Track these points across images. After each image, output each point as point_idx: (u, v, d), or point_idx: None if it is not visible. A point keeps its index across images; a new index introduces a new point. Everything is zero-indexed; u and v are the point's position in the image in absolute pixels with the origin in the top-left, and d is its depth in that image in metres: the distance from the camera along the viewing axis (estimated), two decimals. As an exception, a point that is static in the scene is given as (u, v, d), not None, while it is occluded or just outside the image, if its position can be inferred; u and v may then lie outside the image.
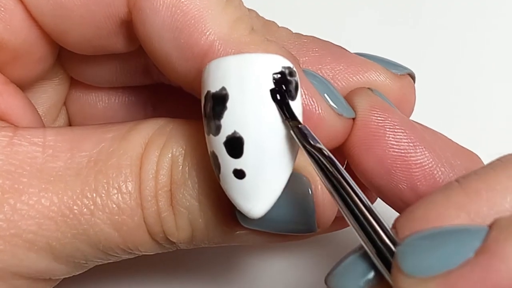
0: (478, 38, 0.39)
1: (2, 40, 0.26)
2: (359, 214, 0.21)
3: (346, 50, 0.28)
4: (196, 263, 0.35)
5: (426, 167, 0.25)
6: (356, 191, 0.21)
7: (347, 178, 0.21)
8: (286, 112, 0.22)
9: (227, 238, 0.26)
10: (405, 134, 0.25)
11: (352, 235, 0.31)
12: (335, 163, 0.21)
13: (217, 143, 0.22)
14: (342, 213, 0.21)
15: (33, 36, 0.26)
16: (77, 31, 0.26)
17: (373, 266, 0.21)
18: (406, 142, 0.25)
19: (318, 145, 0.22)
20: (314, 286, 0.35)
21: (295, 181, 0.24)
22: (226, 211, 0.25)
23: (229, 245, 0.28)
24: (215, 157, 0.23)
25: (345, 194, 0.21)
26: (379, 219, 0.21)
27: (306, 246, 0.35)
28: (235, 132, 0.22)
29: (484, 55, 0.38)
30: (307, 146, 0.22)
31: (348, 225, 0.28)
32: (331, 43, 0.29)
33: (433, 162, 0.25)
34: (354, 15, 0.40)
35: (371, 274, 0.21)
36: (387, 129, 0.25)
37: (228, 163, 0.22)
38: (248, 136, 0.22)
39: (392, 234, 0.20)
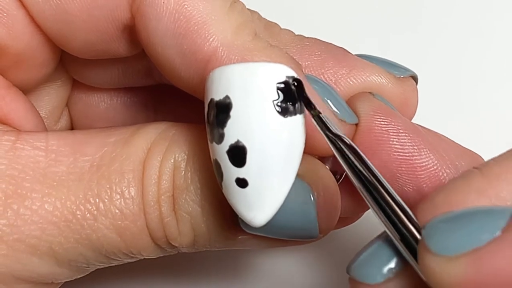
0: (480, 39, 0.39)
1: (5, 45, 0.26)
2: (381, 201, 0.21)
3: (348, 52, 0.28)
4: (199, 264, 0.35)
5: (431, 169, 0.25)
6: (378, 176, 0.21)
7: (368, 164, 0.22)
8: (306, 102, 0.23)
9: (229, 243, 0.26)
10: (409, 137, 0.25)
11: (358, 231, 0.31)
12: (356, 150, 0.22)
13: (220, 151, 0.22)
14: (365, 199, 0.22)
15: (36, 40, 0.26)
16: (79, 36, 0.26)
17: (396, 254, 0.21)
18: (411, 146, 0.25)
19: (338, 132, 0.22)
20: (319, 285, 0.35)
21: (297, 188, 0.24)
22: (228, 216, 0.25)
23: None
24: (217, 165, 0.23)
25: (366, 181, 0.21)
26: (402, 205, 0.21)
27: (311, 245, 0.35)
28: (238, 141, 0.22)
29: (486, 57, 0.38)
30: (329, 134, 0.22)
31: (350, 223, 0.29)
32: (333, 45, 0.28)
33: (438, 164, 0.25)
34: (356, 16, 0.40)
35: (395, 262, 0.21)
36: (391, 134, 0.25)
37: (231, 172, 0.22)
38: (251, 145, 0.22)
39: (415, 220, 0.21)
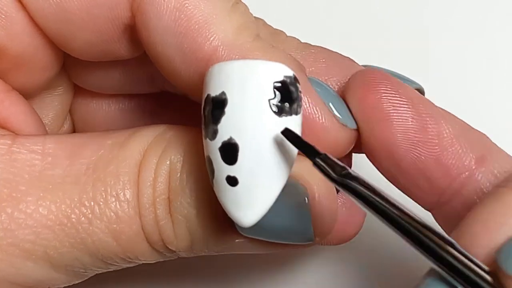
0: (486, 47, 0.38)
1: (4, 47, 0.26)
2: (428, 242, 0.20)
3: (354, 62, 0.28)
4: (199, 271, 0.35)
5: (447, 138, 0.24)
6: (407, 212, 0.20)
7: (390, 200, 0.20)
8: (303, 148, 0.22)
9: (227, 247, 0.26)
10: (423, 107, 0.25)
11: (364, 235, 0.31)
12: (372, 187, 0.21)
13: (213, 148, 0.22)
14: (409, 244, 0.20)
15: (36, 42, 0.26)
16: (79, 35, 0.26)
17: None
18: (425, 114, 0.25)
19: (344, 171, 0.21)
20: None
21: (291, 189, 0.23)
22: (224, 220, 0.24)
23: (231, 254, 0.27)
24: (210, 162, 0.22)
25: (398, 219, 0.20)
26: (450, 241, 0.20)
27: (311, 251, 0.35)
28: (231, 138, 0.22)
29: (492, 65, 0.38)
30: (335, 178, 0.21)
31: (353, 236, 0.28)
32: (339, 54, 0.28)
33: (453, 133, 0.25)
34: (363, 27, 0.39)
35: None
36: (406, 101, 0.25)
37: (222, 169, 0.22)
38: (243, 143, 0.22)
39: (467, 253, 0.19)
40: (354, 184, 0.21)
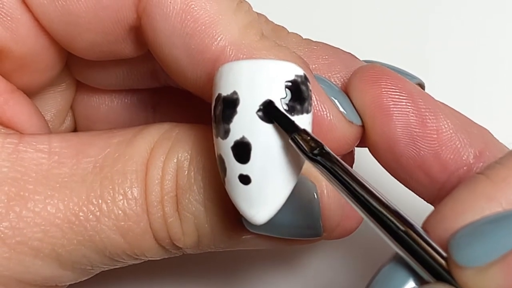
0: (487, 46, 0.38)
1: (9, 49, 0.26)
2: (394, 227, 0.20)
3: (356, 58, 0.28)
4: (203, 267, 0.35)
5: (446, 133, 0.25)
6: (375, 193, 0.20)
7: (359, 179, 0.21)
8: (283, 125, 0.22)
9: (233, 243, 0.26)
10: (423, 102, 0.25)
11: (363, 239, 0.31)
12: (342, 165, 0.21)
13: (225, 146, 0.22)
14: (375, 228, 0.20)
15: (40, 44, 0.26)
16: (85, 37, 0.26)
17: (412, 273, 0.20)
18: (425, 109, 0.25)
19: (317, 148, 0.21)
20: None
21: (301, 185, 0.23)
22: (232, 216, 0.25)
23: (236, 250, 0.28)
24: (221, 160, 0.22)
25: (367, 202, 0.20)
26: (410, 223, 0.20)
27: (313, 250, 0.35)
28: (243, 137, 0.22)
29: (493, 63, 0.38)
30: (308, 153, 0.21)
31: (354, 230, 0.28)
32: (341, 50, 0.28)
33: (453, 128, 0.25)
34: (364, 22, 0.39)
35: (410, 283, 0.20)
36: (406, 96, 0.25)
37: (234, 168, 0.22)
38: (256, 142, 0.22)
39: (426, 236, 0.20)
40: (324, 160, 0.21)
